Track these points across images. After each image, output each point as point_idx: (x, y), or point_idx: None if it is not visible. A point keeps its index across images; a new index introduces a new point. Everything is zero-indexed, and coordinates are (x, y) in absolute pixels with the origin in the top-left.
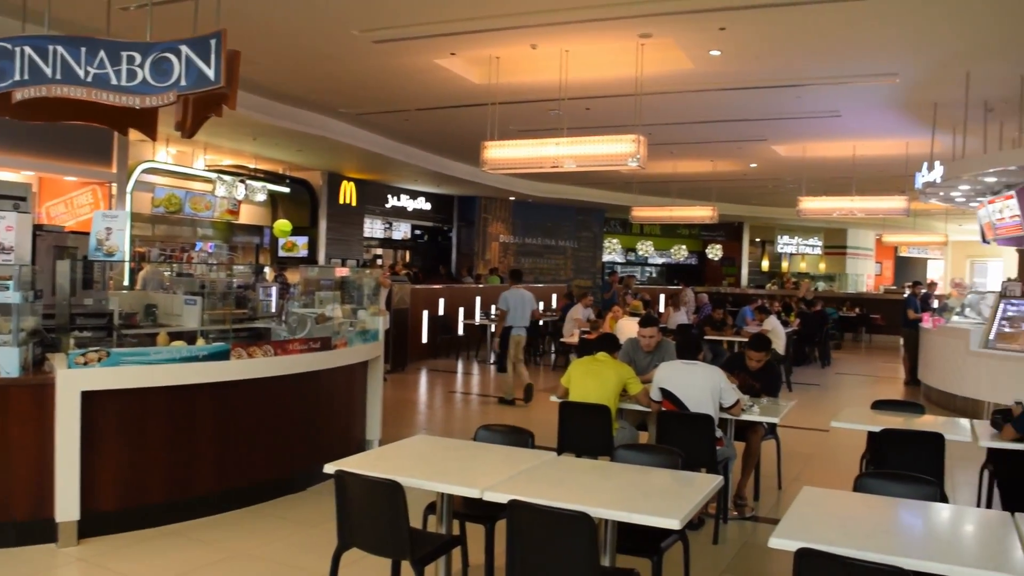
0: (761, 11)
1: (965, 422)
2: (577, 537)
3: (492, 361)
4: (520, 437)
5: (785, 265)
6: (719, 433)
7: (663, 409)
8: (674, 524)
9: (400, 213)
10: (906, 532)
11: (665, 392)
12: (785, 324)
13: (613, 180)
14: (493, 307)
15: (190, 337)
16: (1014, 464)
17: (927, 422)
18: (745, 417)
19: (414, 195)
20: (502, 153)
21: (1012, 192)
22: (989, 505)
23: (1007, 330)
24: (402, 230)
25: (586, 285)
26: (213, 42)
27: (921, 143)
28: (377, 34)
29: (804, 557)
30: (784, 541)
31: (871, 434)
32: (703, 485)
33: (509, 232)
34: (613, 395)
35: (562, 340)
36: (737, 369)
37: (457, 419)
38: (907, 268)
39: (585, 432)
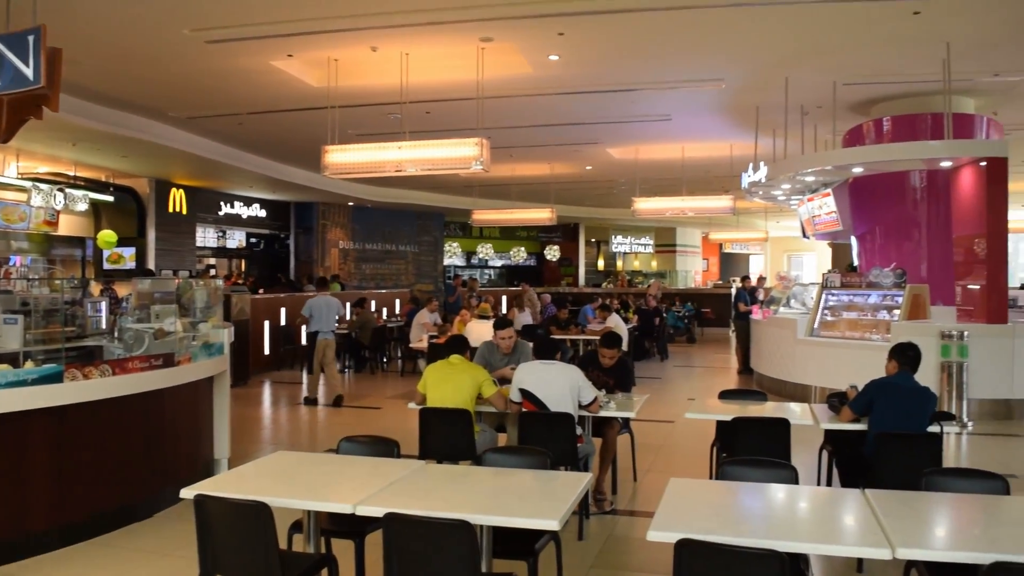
0: (597, 17)
1: (799, 406)
2: (458, 546)
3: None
4: (385, 447)
5: (620, 264)
6: (579, 430)
7: (524, 410)
8: (553, 525)
9: (234, 221)
10: (775, 515)
11: (525, 393)
12: (625, 321)
13: (453, 184)
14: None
15: (12, 360)
16: (850, 444)
17: (771, 408)
18: (603, 413)
19: (249, 202)
20: (343, 158)
21: (829, 190)
22: (829, 483)
23: (829, 318)
24: (237, 238)
25: (428, 289)
26: (32, 39)
27: (745, 145)
28: (210, 34)
29: (684, 547)
30: (662, 533)
31: (720, 423)
32: (574, 484)
33: (348, 238)
34: (470, 398)
35: (410, 346)
36: (591, 367)
37: (307, 432)
38: (732, 263)
39: (447, 437)
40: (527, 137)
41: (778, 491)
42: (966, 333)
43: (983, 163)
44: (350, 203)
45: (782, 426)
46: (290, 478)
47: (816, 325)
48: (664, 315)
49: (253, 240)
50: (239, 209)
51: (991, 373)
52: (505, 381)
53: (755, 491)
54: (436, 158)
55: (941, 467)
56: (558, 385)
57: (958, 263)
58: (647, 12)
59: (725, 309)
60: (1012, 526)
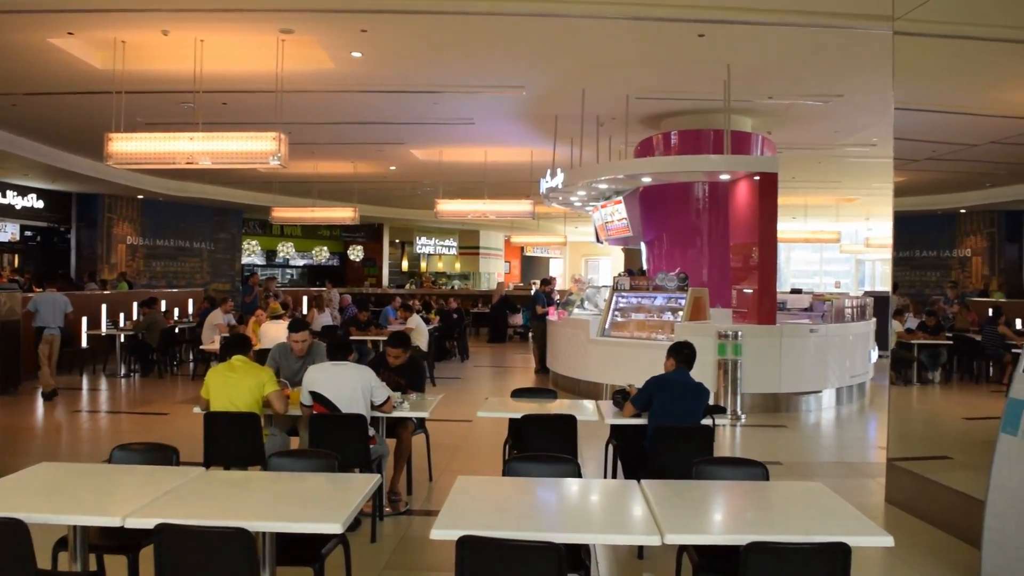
0: (400, 16)
1: (588, 403)
2: (235, 555)
3: (123, 374)
4: (162, 454)
5: (424, 265)
6: (372, 432)
7: (314, 412)
8: (335, 528)
9: (7, 212)
10: (554, 508)
11: (315, 395)
12: (427, 321)
13: (252, 179)
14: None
15: None
16: (632, 437)
17: (560, 406)
18: (396, 414)
19: (23, 191)
20: (130, 147)
21: (620, 198)
22: (615, 475)
23: (619, 319)
24: (9, 231)
25: (224, 289)
26: None
27: (545, 152)
28: None
29: (465, 544)
30: (445, 532)
31: (512, 420)
32: (361, 486)
33: (138, 233)
34: (256, 401)
35: (201, 348)
36: (382, 367)
37: (86, 441)
38: (533, 266)
39: (233, 442)
40: (330, 134)
41: (560, 485)
42: (740, 333)
43: (757, 177)
44: (140, 196)
45: (569, 422)
46: (55, 491)
47: (607, 326)
48: (465, 317)
49: (28, 233)
50: (12, 199)
51: (762, 369)
52: None
53: (539, 486)
54: (231, 151)
55: (711, 457)
56: (349, 386)
57: (735, 269)
58: (449, 15)
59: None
60: (768, 510)
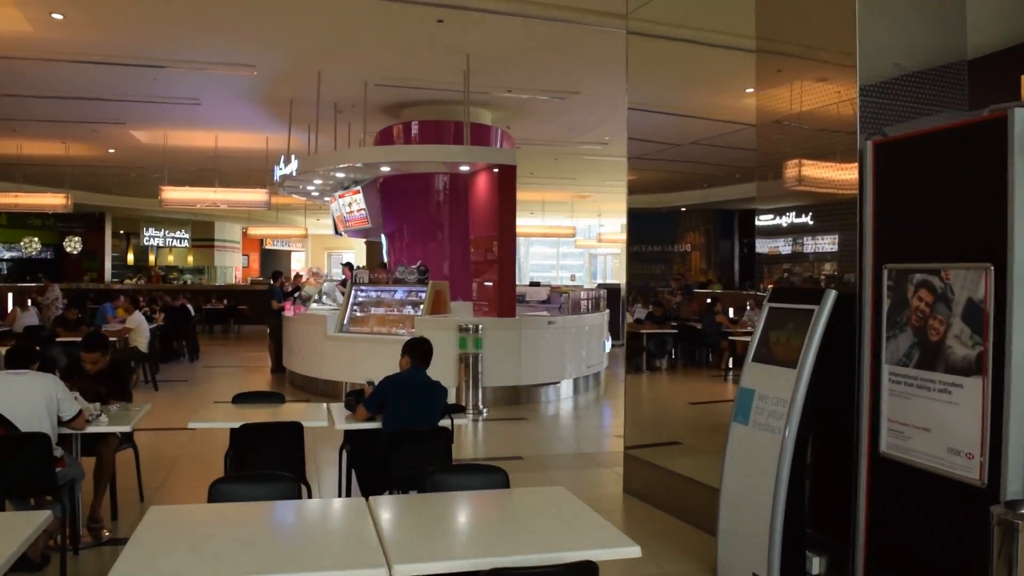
0: None
1: (322, 406)
2: None
3: None
4: None
5: (152, 258)
6: (59, 452)
7: None
8: None
9: None
10: (265, 541)
11: None
12: (150, 320)
13: None
14: None
15: None
16: (367, 443)
17: (287, 411)
18: (91, 429)
19: None
20: None
21: (358, 188)
22: (349, 488)
23: (359, 314)
24: None
25: None
26: None
27: (280, 138)
28: None
29: None
30: None
31: (233, 430)
32: (21, 527)
33: None
34: None
35: None
36: (77, 374)
37: None
38: (273, 260)
39: None
40: (34, 109)
41: (275, 510)
42: (480, 326)
43: (496, 170)
44: None
45: (294, 431)
46: None
47: (346, 321)
48: (197, 313)
49: None
50: None
51: (502, 363)
52: None
53: (247, 512)
54: None
55: (448, 464)
56: (29, 399)
57: (475, 262)
58: None
59: (264, 306)
60: (509, 523)
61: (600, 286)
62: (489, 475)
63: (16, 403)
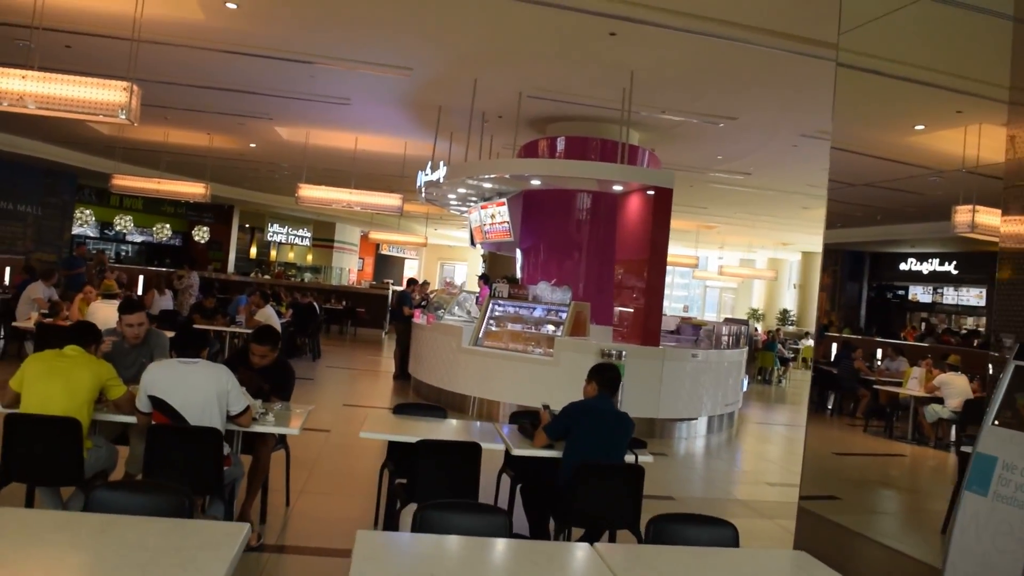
0: None
1: (485, 426)
2: None
3: None
4: None
5: (274, 254)
6: (227, 449)
7: (154, 423)
8: None
9: None
10: None
11: (156, 400)
12: (279, 315)
13: (93, 141)
14: None
15: None
16: (536, 471)
17: (456, 429)
18: (258, 428)
19: None
20: None
21: (503, 199)
22: (511, 510)
23: (494, 328)
24: None
25: (50, 259)
26: None
27: (420, 145)
28: None
29: None
30: None
31: (395, 444)
32: (227, 541)
33: None
34: (87, 404)
35: (14, 324)
36: (240, 367)
37: None
38: (386, 266)
39: (45, 455)
40: (187, 98)
41: (493, 549)
42: (624, 352)
43: (650, 192)
44: None
45: (472, 452)
46: None
47: (481, 335)
48: (319, 310)
49: None
50: None
51: (643, 393)
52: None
53: (465, 548)
54: (71, 98)
55: (672, 513)
56: (202, 390)
57: (619, 285)
58: None
59: (379, 310)
60: None
61: (727, 320)
62: (718, 529)
63: (187, 394)
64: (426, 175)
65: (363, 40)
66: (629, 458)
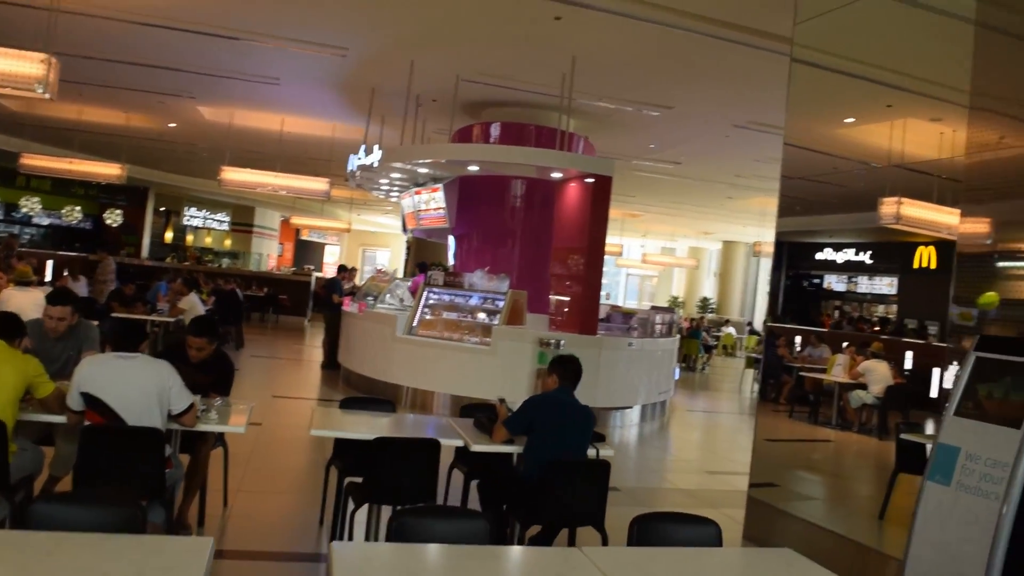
0: None
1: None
2: None
3: None
4: None
5: (190, 238)
6: (168, 450)
7: (87, 423)
8: None
9: None
10: None
11: (90, 398)
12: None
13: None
14: None
15: None
16: (492, 467)
17: (410, 424)
18: (202, 427)
19: None
20: None
21: (439, 185)
22: (465, 506)
23: (428, 317)
24: None
25: None
26: None
27: (348, 128)
28: None
29: None
30: None
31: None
32: (194, 560)
33: None
34: (12, 404)
35: None
36: (178, 362)
37: None
38: (306, 251)
39: None
40: (105, 74)
41: (479, 557)
42: (562, 341)
43: (590, 180)
44: None
45: (430, 449)
46: None
47: (415, 323)
48: (241, 297)
49: None
50: None
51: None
52: None
53: (449, 557)
54: None
55: (657, 512)
56: (141, 387)
57: (555, 274)
58: None
59: (302, 297)
60: None
61: (653, 308)
62: (701, 527)
63: (125, 391)
64: (359, 159)
65: (297, 17)
66: (590, 452)
